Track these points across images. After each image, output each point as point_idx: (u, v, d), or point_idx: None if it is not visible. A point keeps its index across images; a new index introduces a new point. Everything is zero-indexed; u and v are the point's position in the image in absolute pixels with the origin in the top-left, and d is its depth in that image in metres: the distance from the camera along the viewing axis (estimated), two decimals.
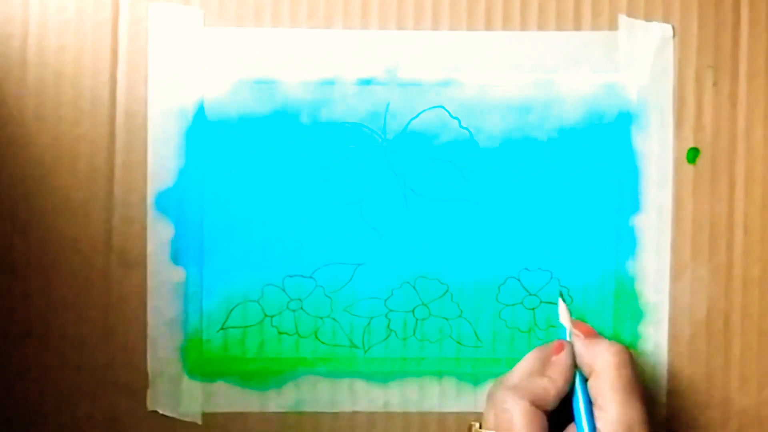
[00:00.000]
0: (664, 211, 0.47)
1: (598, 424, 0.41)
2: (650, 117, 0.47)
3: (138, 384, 0.47)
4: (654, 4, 0.47)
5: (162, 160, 0.46)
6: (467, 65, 0.47)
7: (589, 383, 0.43)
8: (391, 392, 0.47)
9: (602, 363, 0.42)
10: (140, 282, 0.46)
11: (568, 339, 0.45)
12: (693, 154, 0.47)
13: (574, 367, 0.43)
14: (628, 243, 0.47)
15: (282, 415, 0.47)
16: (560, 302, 0.47)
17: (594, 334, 0.45)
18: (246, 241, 0.47)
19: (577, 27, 0.47)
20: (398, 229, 0.47)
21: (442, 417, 0.48)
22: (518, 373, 0.44)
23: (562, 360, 0.43)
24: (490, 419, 0.43)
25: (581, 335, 0.44)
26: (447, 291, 0.47)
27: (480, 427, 0.43)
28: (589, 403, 0.42)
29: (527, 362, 0.44)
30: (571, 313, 0.46)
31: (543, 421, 0.41)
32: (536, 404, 0.42)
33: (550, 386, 0.42)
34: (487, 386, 0.46)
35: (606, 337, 0.47)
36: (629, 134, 0.47)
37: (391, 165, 0.47)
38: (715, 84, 0.47)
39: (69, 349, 0.46)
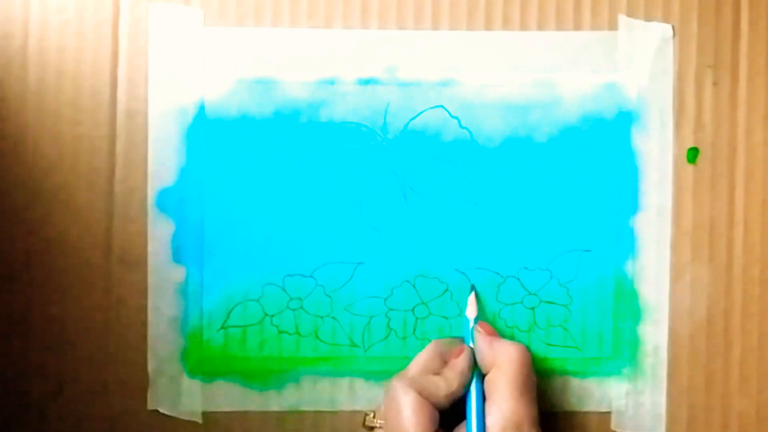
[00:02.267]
0: (664, 211, 0.47)
1: (489, 419, 0.42)
2: (650, 117, 0.47)
3: (138, 383, 0.47)
4: (654, 4, 0.47)
5: (162, 160, 0.46)
6: (467, 65, 0.47)
7: (487, 378, 0.43)
8: None
9: (504, 358, 0.43)
10: (140, 281, 0.47)
11: (471, 332, 0.46)
12: (693, 154, 0.47)
13: (472, 371, 0.44)
14: (627, 243, 0.47)
15: (282, 415, 0.47)
16: (471, 296, 0.47)
17: (495, 335, 0.45)
18: (246, 241, 0.47)
19: (577, 27, 0.47)
20: (398, 228, 0.47)
21: None
22: (415, 367, 0.44)
23: (460, 364, 0.44)
24: (383, 409, 0.43)
25: (483, 332, 0.45)
26: (447, 290, 0.47)
27: (374, 417, 0.44)
28: (482, 402, 0.43)
29: (425, 356, 0.44)
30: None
31: (432, 413, 0.42)
32: (425, 396, 0.42)
33: (443, 385, 0.43)
34: None
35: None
36: (629, 134, 0.47)
37: (391, 165, 0.47)
38: (715, 84, 0.47)
39: (69, 349, 0.46)
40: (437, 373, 0.44)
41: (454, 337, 0.46)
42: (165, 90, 0.46)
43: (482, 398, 0.43)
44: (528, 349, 0.44)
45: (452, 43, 0.47)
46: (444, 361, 0.44)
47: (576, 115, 0.47)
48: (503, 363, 0.43)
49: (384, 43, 0.47)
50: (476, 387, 0.44)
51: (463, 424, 0.43)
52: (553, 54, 0.47)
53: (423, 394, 0.42)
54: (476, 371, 0.44)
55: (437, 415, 0.42)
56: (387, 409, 0.43)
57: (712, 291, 0.47)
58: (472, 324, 0.46)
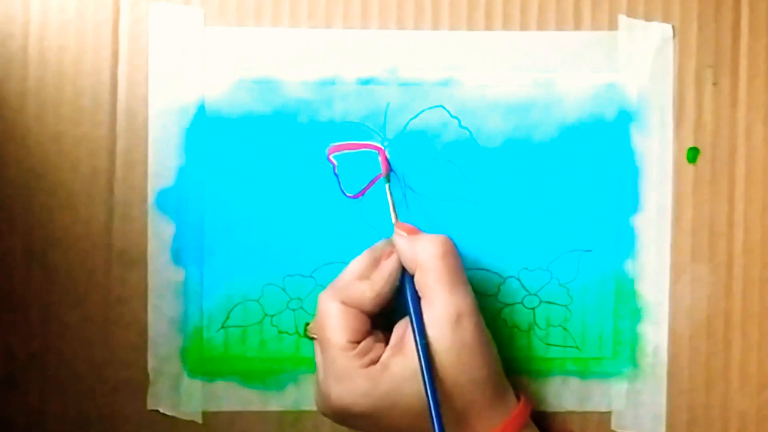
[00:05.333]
0: (664, 211, 0.47)
1: (427, 317, 0.41)
2: (650, 117, 0.47)
3: (138, 383, 0.47)
4: (654, 4, 0.47)
5: (162, 160, 0.46)
6: (467, 65, 0.47)
7: (416, 278, 0.42)
8: None
9: (425, 255, 0.42)
10: (140, 281, 0.47)
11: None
12: (693, 154, 0.47)
13: (400, 271, 0.43)
14: (627, 243, 0.47)
15: (282, 414, 0.47)
16: (390, 202, 0.45)
17: (417, 232, 0.44)
18: (246, 241, 0.47)
19: (577, 27, 0.47)
20: None
21: None
22: (346, 275, 0.44)
23: (387, 266, 0.43)
24: (315, 319, 0.44)
25: (404, 233, 0.44)
26: None
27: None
28: (417, 299, 0.42)
29: (357, 264, 0.44)
30: (398, 214, 0.45)
31: (359, 319, 0.42)
32: (350, 304, 0.42)
33: (368, 289, 0.43)
34: None
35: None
36: (629, 134, 0.47)
37: (392, 164, 0.47)
38: (715, 84, 0.47)
39: (69, 349, 0.46)
40: (368, 279, 0.43)
41: (389, 239, 0.45)
42: (165, 90, 0.46)
43: (416, 297, 0.42)
44: (449, 238, 0.43)
45: (452, 43, 0.47)
46: (373, 268, 0.44)
47: (576, 115, 0.47)
48: (425, 260, 0.42)
49: (384, 43, 0.47)
50: (408, 286, 0.43)
51: (402, 322, 0.43)
52: (553, 54, 0.47)
53: (347, 302, 0.42)
54: (405, 272, 0.43)
55: (366, 320, 0.42)
56: (316, 320, 0.43)
57: (712, 291, 0.47)
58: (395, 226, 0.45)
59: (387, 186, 0.46)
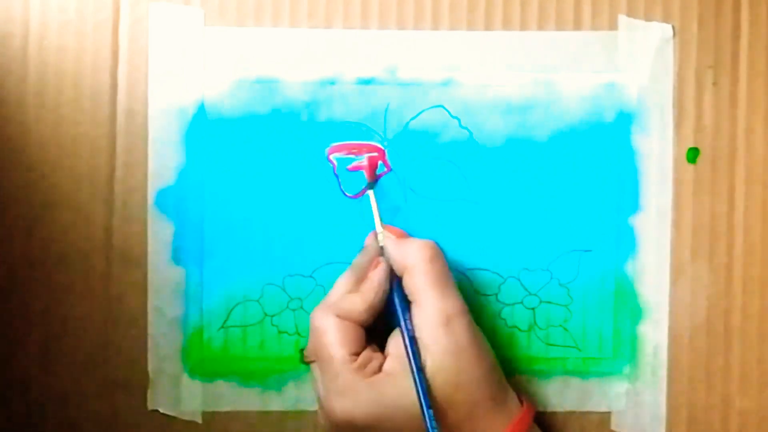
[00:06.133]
0: (664, 211, 0.47)
1: (417, 320, 0.42)
2: (650, 117, 0.47)
3: (138, 383, 0.47)
4: (654, 4, 0.47)
5: (162, 160, 0.46)
6: (467, 65, 0.47)
7: (404, 281, 0.43)
8: None
9: (414, 258, 0.42)
10: (140, 281, 0.47)
11: (380, 242, 0.45)
12: (693, 154, 0.47)
13: (389, 280, 0.43)
14: (627, 243, 0.47)
15: (282, 415, 0.47)
16: (371, 198, 0.46)
17: (405, 235, 0.45)
18: (246, 241, 0.47)
19: (577, 27, 0.47)
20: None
21: None
22: (334, 292, 0.44)
23: (375, 276, 0.43)
24: (309, 340, 0.43)
25: (392, 236, 0.44)
26: None
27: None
28: (405, 304, 0.42)
29: (344, 278, 0.44)
30: (381, 218, 0.45)
31: (355, 331, 0.42)
32: (344, 318, 0.42)
33: (359, 300, 0.43)
34: None
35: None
36: (629, 134, 0.47)
37: (391, 165, 0.47)
38: (715, 84, 0.47)
39: (69, 349, 0.46)
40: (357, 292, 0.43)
41: (370, 250, 0.45)
42: (165, 90, 0.46)
43: (405, 304, 0.43)
44: (437, 244, 0.43)
45: (452, 43, 0.47)
46: (360, 281, 0.44)
47: (576, 115, 0.47)
48: (415, 263, 0.42)
49: (384, 43, 0.47)
50: (396, 293, 0.43)
51: (395, 333, 0.43)
52: (553, 54, 0.47)
53: (341, 315, 0.42)
54: (396, 279, 0.43)
55: (362, 331, 0.42)
56: (312, 339, 0.43)
57: (712, 291, 0.47)
58: (379, 234, 0.45)
59: (371, 193, 0.46)
